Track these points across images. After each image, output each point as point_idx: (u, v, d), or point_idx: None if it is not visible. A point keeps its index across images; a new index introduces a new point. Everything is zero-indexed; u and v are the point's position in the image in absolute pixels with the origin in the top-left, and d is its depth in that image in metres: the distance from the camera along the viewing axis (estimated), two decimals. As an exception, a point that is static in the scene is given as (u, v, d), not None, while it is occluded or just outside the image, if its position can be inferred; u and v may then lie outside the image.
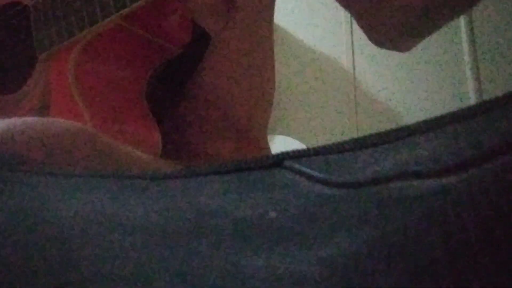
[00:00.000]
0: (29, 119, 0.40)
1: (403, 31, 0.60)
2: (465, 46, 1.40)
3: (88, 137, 0.41)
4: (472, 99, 1.37)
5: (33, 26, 0.61)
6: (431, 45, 1.40)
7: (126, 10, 0.53)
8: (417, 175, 0.20)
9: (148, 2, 0.53)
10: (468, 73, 1.39)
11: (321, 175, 0.22)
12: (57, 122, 0.42)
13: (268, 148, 0.69)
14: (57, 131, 0.40)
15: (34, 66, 0.61)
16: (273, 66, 0.70)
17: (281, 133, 1.45)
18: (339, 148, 0.24)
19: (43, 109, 0.58)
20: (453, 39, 1.40)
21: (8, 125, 0.38)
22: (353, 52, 1.60)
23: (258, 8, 0.65)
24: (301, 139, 1.40)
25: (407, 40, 0.61)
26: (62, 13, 0.58)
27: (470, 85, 1.39)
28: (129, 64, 0.58)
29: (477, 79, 1.39)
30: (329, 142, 0.25)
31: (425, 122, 0.22)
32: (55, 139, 0.39)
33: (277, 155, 0.25)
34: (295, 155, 0.24)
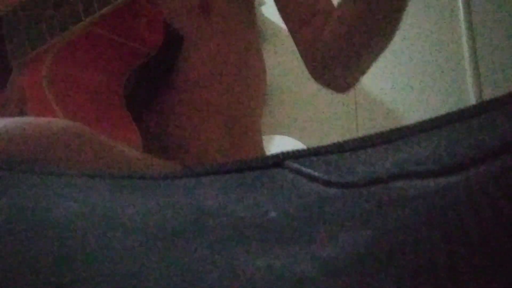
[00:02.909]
0: (27, 119, 0.41)
1: (340, 55, 0.63)
2: (465, 46, 1.39)
3: (84, 136, 0.42)
4: (472, 99, 1.37)
5: (5, 36, 0.61)
6: (431, 46, 1.40)
7: (96, 15, 0.54)
8: (417, 175, 0.20)
9: (116, 7, 0.53)
10: (468, 73, 1.39)
11: (321, 175, 0.22)
12: (55, 121, 0.42)
13: (260, 140, 0.70)
14: (55, 130, 0.40)
15: (9, 74, 0.61)
16: (261, 59, 0.71)
17: (281, 133, 1.44)
18: (339, 148, 0.24)
19: (21, 115, 0.58)
20: (453, 39, 1.40)
21: (6, 125, 0.38)
22: (353, 52, 1.60)
23: (236, 10, 0.66)
24: (301, 139, 1.39)
25: (344, 68, 0.64)
26: (33, 21, 0.58)
27: (470, 85, 1.39)
28: (103, 68, 0.58)
29: (477, 79, 1.39)
30: (329, 142, 0.24)
31: (425, 122, 0.22)
32: (52, 138, 0.39)
33: (277, 155, 0.25)
34: (295, 155, 0.24)
